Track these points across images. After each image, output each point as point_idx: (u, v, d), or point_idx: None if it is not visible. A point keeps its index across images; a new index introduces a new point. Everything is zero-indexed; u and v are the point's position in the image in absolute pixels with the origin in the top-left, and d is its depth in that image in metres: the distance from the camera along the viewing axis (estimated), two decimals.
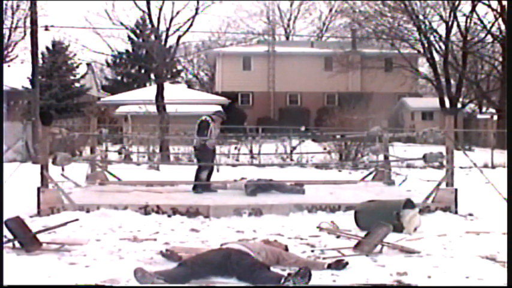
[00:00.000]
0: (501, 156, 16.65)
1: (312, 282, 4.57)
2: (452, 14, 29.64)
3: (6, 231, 5.79)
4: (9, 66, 32.04)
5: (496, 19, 28.54)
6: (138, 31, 38.86)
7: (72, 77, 34.03)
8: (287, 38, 49.17)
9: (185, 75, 51.20)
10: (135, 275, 4.59)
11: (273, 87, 37.66)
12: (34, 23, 20.06)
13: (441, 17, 30.19)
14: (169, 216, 8.04)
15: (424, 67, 38.09)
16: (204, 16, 45.18)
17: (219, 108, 32.76)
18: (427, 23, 30.13)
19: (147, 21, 31.69)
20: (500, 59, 29.55)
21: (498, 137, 21.40)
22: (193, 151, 10.99)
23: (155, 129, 20.30)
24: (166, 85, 30.55)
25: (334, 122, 19.99)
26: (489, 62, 31.56)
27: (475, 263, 5.40)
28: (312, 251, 5.94)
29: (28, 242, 5.81)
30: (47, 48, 33.12)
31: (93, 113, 27.48)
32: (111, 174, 11.83)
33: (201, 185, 10.01)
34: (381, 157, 12.28)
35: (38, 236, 6.02)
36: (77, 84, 34.02)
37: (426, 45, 30.58)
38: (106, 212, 7.91)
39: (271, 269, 4.88)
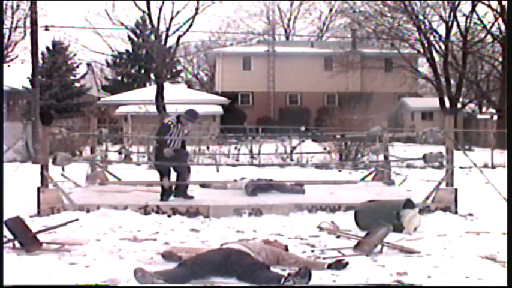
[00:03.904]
0: (501, 156, 16.64)
1: (312, 282, 4.57)
2: (452, 14, 29.66)
3: (6, 231, 5.79)
4: (9, 66, 32.12)
5: (496, 19, 28.56)
6: (138, 31, 38.88)
7: (72, 77, 34.03)
8: (287, 38, 49.18)
9: (185, 75, 51.26)
10: (135, 275, 4.60)
11: (273, 87, 37.66)
12: (34, 23, 20.07)
13: (441, 17, 30.21)
14: (169, 216, 8.03)
15: (424, 67, 38.12)
16: (204, 16, 45.35)
17: (218, 107, 32.89)
18: (427, 23, 30.16)
19: (147, 21, 31.79)
20: (500, 59, 29.54)
21: (498, 137, 21.40)
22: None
23: (155, 129, 20.26)
24: (166, 85, 30.61)
25: (334, 122, 19.99)
26: (489, 62, 31.56)
27: (475, 263, 5.40)
28: (312, 251, 5.94)
29: (28, 242, 5.81)
30: (47, 48, 33.14)
31: (93, 113, 27.50)
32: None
33: (166, 193, 8.90)
34: (381, 157, 12.28)
35: (38, 236, 6.02)
36: (77, 84, 34.02)
37: (426, 45, 30.59)
38: (106, 212, 7.91)
39: (271, 269, 4.88)
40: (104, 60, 42.32)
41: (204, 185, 10.67)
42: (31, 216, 7.71)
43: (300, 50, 38.27)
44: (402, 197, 8.13)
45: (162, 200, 8.76)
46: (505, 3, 25.95)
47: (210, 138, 21.14)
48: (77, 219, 6.80)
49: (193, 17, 27.59)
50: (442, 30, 30.65)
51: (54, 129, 9.66)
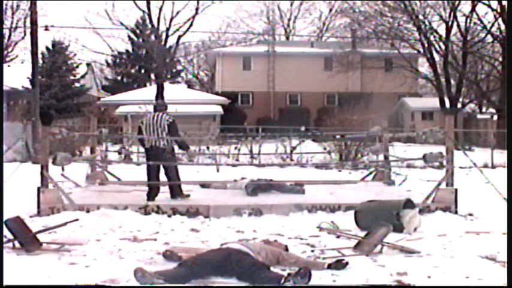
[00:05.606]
0: (501, 156, 16.64)
1: (312, 282, 4.57)
2: (452, 14, 29.65)
3: (6, 231, 5.79)
4: (9, 66, 32.12)
5: (496, 19, 28.56)
6: (138, 31, 38.90)
7: (72, 77, 34.00)
8: (287, 38, 49.17)
9: (185, 75, 51.27)
10: (135, 275, 4.59)
11: (273, 87, 37.64)
12: (34, 23, 20.07)
13: (441, 17, 30.21)
14: (169, 216, 8.04)
15: (424, 67, 38.09)
16: (204, 16, 45.46)
17: (218, 107, 32.90)
18: (427, 23, 30.16)
19: (147, 21, 31.85)
20: (500, 59, 29.53)
21: (498, 137, 21.40)
22: (152, 154, 9.06)
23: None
24: (166, 85, 30.65)
25: (334, 122, 19.98)
26: (489, 62, 31.56)
27: (475, 263, 5.40)
28: (312, 251, 5.94)
29: (28, 242, 5.81)
30: (47, 48, 33.13)
31: (93, 113, 27.46)
32: (111, 174, 11.82)
33: (178, 190, 8.96)
34: (381, 157, 12.28)
35: (38, 236, 6.02)
36: (77, 84, 33.99)
37: (426, 45, 30.58)
38: (106, 212, 7.91)
39: (271, 269, 4.88)
40: (104, 60, 42.40)
41: (204, 185, 10.68)
42: (31, 216, 7.71)
43: (300, 50, 38.25)
44: (402, 197, 8.13)
45: (177, 198, 8.89)
46: (505, 3, 25.94)
47: (210, 138, 21.14)
48: (77, 219, 6.80)
49: (193, 17, 27.68)
50: (442, 30, 30.70)
51: (54, 129, 9.66)
